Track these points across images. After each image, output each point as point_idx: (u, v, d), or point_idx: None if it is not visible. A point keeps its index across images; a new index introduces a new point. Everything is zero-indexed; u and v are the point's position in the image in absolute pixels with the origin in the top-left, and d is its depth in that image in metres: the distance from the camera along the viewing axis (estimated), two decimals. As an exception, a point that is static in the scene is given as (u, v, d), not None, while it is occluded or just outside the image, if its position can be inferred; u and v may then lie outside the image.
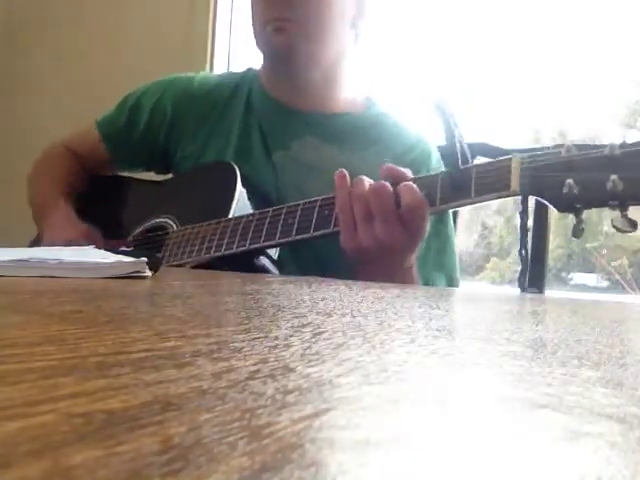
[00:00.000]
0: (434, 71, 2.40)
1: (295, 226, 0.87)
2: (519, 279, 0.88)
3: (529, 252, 0.80)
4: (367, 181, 0.82)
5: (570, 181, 0.71)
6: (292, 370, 0.19)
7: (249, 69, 1.16)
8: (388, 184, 0.80)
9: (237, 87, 1.14)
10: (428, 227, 0.86)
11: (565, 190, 0.72)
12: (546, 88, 2.47)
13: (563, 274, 2.40)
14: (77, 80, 1.84)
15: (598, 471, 0.12)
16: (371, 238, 0.80)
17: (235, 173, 0.99)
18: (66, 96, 1.82)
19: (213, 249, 0.92)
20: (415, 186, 0.80)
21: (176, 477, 0.10)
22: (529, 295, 1.01)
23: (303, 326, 0.28)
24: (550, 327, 0.39)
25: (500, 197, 0.78)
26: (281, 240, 0.87)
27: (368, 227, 0.80)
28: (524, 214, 0.77)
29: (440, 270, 0.99)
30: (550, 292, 1.20)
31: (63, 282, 0.46)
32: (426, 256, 0.94)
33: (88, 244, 1.03)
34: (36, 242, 1.19)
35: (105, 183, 1.23)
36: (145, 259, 0.53)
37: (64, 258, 0.50)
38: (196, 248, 0.94)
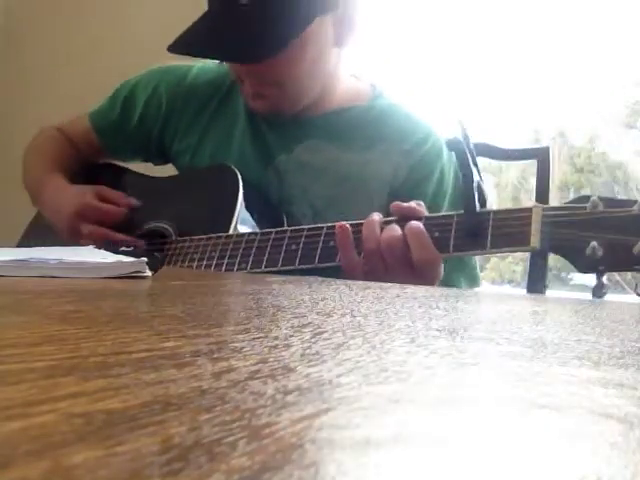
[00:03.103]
0: (434, 72, 2.40)
1: (299, 254, 0.84)
2: None
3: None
4: (377, 232, 0.78)
5: (594, 243, 0.68)
6: (292, 370, 0.19)
7: None
8: (399, 236, 0.77)
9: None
10: None
11: (588, 252, 0.68)
12: (546, 88, 2.47)
13: (563, 274, 2.40)
14: (77, 80, 1.84)
15: (598, 471, 0.12)
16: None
17: (238, 182, 0.97)
18: (66, 96, 1.82)
19: (213, 268, 0.90)
20: (427, 238, 0.76)
21: (176, 477, 0.10)
22: (529, 295, 1.01)
23: (303, 326, 0.28)
24: (550, 327, 0.39)
25: (517, 251, 0.75)
26: (283, 268, 0.85)
27: (380, 279, 0.77)
28: (542, 268, 0.74)
29: (460, 271, 0.97)
30: (550, 292, 1.20)
31: (63, 282, 0.46)
32: (445, 260, 0.93)
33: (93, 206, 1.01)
34: (36, 222, 1.18)
35: (101, 172, 1.20)
36: (145, 259, 0.53)
37: (64, 258, 0.50)
38: (195, 264, 0.92)
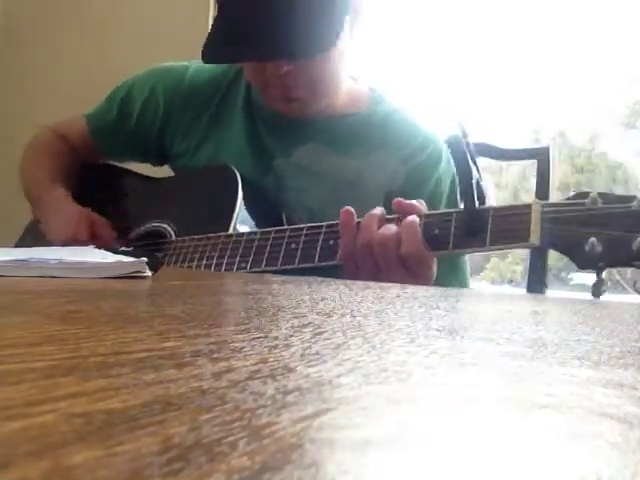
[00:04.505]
0: (434, 71, 2.40)
1: (298, 253, 0.84)
2: None
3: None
4: (374, 226, 0.78)
5: (593, 239, 0.68)
6: (292, 370, 0.19)
7: None
8: (394, 234, 0.77)
9: (235, 79, 1.09)
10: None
11: (587, 248, 0.68)
12: (546, 88, 2.47)
13: (563, 274, 2.40)
14: (77, 80, 1.84)
15: (598, 471, 0.12)
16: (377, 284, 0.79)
17: (237, 181, 0.96)
18: (66, 96, 1.82)
19: (212, 267, 0.90)
20: (418, 234, 0.76)
21: (176, 477, 0.10)
22: (529, 295, 1.01)
23: (303, 326, 0.28)
24: (550, 327, 0.39)
25: (517, 248, 0.75)
26: (283, 267, 0.84)
27: (374, 276, 0.77)
28: (542, 269, 0.74)
29: (454, 276, 0.97)
30: (550, 292, 1.20)
31: (63, 282, 0.46)
32: (439, 264, 0.92)
33: (85, 232, 1.01)
34: (32, 227, 1.18)
35: (99, 173, 1.20)
36: (145, 259, 0.53)
37: (64, 258, 0.50)
38: (194, 264, 0.92)
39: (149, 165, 1.21)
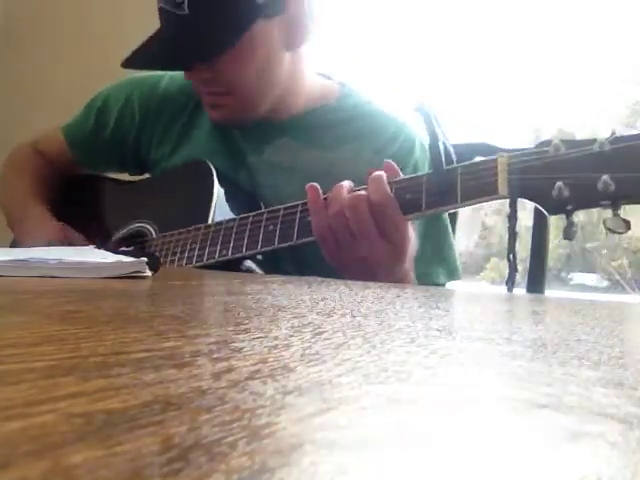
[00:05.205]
0: (432, 71, 2.40)
1: (277, 234, 0.85)
2: (507, 283, 0.86)
3: (517, 257, 0.78)
4: (344, 194, 0.79)
5: (560, 183, 0.69)
6: (292, 370, 0.19)
7: None
8: (364, 196, 0.78)
9: None
10: (420, 227, 0.84)
11: (555, 193, 0.70)
12: (546, 88, 2.47)
13: (563, 274, 2.40)
14: (77, 80, 1.84)
15: (598, 471, 0.12)
16: (356, 258, 0.78)
17: (212, 173, 0.98)
18: (66, 96, 1.82)
19: (195, 258, 0.91)
20: (384, 183, 0.78)
21: (176, 477, 0.10)
22: (529, 295, 1.01)
23: (303, 326, 0.28)
24: (550, 327, 0.39)
25: (488, 201, 0.76)
26: (264, 249, 0.86)
27: (351, 248, 0.78)
28: (513, 217, 0.75)
29: (440, 264, 0.98)
30: (550, 292, 1.20)
31: (63, 282, 0.46)
32: (424, 253, 0.92)
33: (65, 243, 1.03)
34: (13, 247, 1.19)
35: (79, 183, 1.21)
36: (145, 259, 0.53)
37: (64, 258, 0.50)
38: (177, 257, 0.93)
39: (127, 175, 1.23)
